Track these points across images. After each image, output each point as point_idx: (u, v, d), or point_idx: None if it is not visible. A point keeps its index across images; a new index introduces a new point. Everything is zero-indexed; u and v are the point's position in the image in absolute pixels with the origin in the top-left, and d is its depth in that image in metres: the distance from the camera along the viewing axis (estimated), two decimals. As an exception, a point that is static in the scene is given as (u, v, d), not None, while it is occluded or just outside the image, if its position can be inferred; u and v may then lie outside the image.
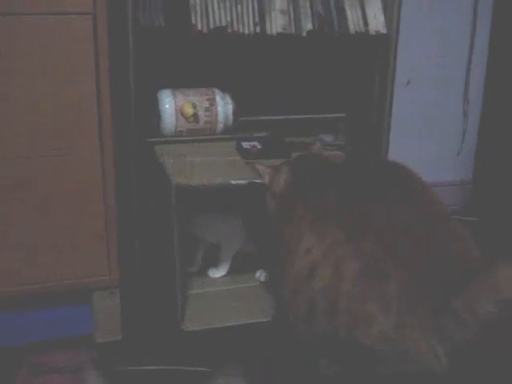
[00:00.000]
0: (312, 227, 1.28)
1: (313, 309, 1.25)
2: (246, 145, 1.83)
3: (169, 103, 1.84)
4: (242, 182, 1.63)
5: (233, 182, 1.62)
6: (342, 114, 2.13)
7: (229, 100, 1.90)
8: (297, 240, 1.30)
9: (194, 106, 1.85)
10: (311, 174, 1.49)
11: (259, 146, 1.83)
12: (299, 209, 1.36)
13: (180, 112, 1.84)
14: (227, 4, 1.79)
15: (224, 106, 1.88)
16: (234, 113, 1.90)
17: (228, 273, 1.92)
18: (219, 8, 1.78)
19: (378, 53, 2.00)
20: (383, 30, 1.93)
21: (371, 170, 1.43)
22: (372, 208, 1.25)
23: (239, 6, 1.80)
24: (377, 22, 1.93)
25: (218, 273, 1.91)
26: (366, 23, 1.92)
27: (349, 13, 1.90)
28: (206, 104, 1.87)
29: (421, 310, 1.14)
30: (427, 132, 2.47)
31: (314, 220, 1.29)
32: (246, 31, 1.80)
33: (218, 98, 1.89)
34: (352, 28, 1.90)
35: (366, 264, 1.18)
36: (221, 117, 1.88)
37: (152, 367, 1.52)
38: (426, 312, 1.14)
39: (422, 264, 1.17)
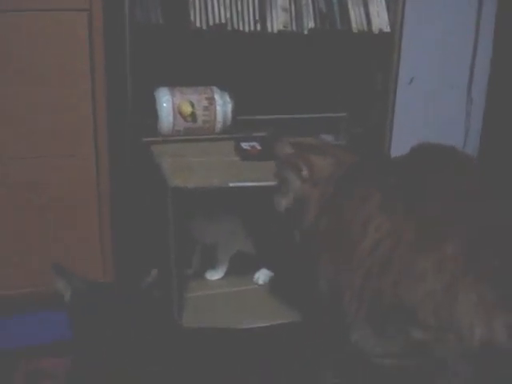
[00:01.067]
0: (381, 208, 1.26)
1: (367, 277, 1.24)
2: (245, 145, 1.79)
3: (166, 102, 1.80)
4: (240, 184, 1.59)
5: (231, 185, 1.58)
6: (343, 114, 2.09)
7: (228, 99, 1.86)
8: (365, 219, 1.27)
9: (192, 105, 1.81)
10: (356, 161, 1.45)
11: (259, 147, 1.79)
12: (360, 191, 1.32)
13: (178, 111, 1.80)
14: (227, 0, 1.74)
15: (223, 105, 1.84)
16: (233, 112, 1.86)
17: (226, 275, 1.88)
18: (219, 4, 1.74)
19: (380, 51, 1.97)
20: (386, 29, 1.89)
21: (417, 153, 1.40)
22: (430, 180, 1.26)
23: (239, 3, 1.76)
24: (380, 20, 1.89)
25: (215, 275, 1.88)
26: (369, 21, 1.88)
27: (352, 11, 1.86)
28: (205, 103, 1.83)
29: (478, 278, 1.13)
30: (429, 131, 2.43)
31: (383, 201, 1.27)
32: (246, 29, 1.76)
33: (216, 96, 1.85)
34: (355, 26, 1.86)
35: (423, 226, 1.18)
36: (219, 116, 1.84)
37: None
38: (483, 281, 1.12)
39: (482, 233, 1.17)
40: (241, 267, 1.87)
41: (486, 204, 1.23)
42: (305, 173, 1.42)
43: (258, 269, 1.88)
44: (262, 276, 1.87)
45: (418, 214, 1.21)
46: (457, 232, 1.17)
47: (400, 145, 2.17)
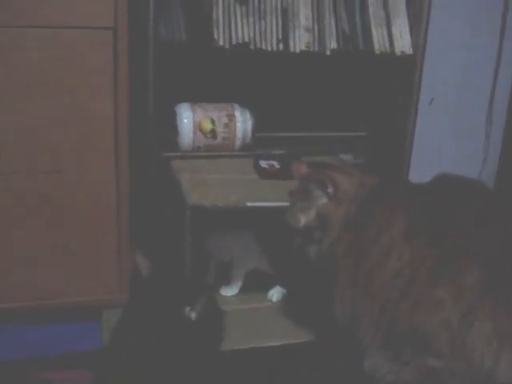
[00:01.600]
0: (405, 236, 1.28)
1: (385, 304, 1.26)
2: (263, 163, 1.80)
3: (187, 118, 1.82)
4: (258, 204, 1.60)
5: (248, 205, 1.59)
6: (363, 133, 2.09)
7: (248, 116, 1.87)
8: (386, 246, 1.29)
9: (213, 122, 1.82)
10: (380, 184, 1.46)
11: (277, 166, 1.79)
12: (384, 214, 1.34)
13: (198, 127, 1.82)
14: (250, 20, 1.76)
15: (243, 122, 1.85)
16: (253, 129, 1.86)
17: (240, 292, 1.89)
18: (242, 23, 1.75)
19: (402, 72, 1.97)
20: (409, 51, 1.89)
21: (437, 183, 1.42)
22: (453, 211, 1.28)
23: (263, 22, 1.77)
24: (403, 42, 1.89)
25: (229, 291, 1.88)
26: (391, 43, 1.88)
27: (374, 32, 1.87)
28: (225, 120, 1.84)
29: (497, 308, 1.14)
30: (448, 152, 2.43)
31: (408, 228, 1.28)
32: (269, 48, 1.77)
33: (237, 113, 1.86)
34: (377, 48, 1.86)
35: (444, 255, 1.20)
36: (239, 133, 1.85)
37: None
38: (502, 312, 1.14)
39: (501, 262, 1.19)
40: (255, 284, 1.88)
41: (505, 234, 1.25)
42: (330, 190, 1.43)
43: (272, 286, 1.88)
44: (276, 293, 1.87)
45: (439, 244, 1.22)
46: (476, 262, 1.18)
47: (419, 165, 2.18)
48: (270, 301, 1.87)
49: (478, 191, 1.37)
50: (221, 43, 1.73)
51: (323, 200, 1.44)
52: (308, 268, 1.59)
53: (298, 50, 1.79)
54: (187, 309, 1.51)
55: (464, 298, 1.16)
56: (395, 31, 1.89)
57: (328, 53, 1.81)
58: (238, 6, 1.74)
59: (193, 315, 1.51)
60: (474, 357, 1.15)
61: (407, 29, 1.90)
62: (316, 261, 1.50)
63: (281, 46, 1.77)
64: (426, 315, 1.19)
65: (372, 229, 1.34)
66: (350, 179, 1.46)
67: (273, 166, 1.80)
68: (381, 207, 1.36)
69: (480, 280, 1.17)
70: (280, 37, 1.78)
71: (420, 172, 2.18)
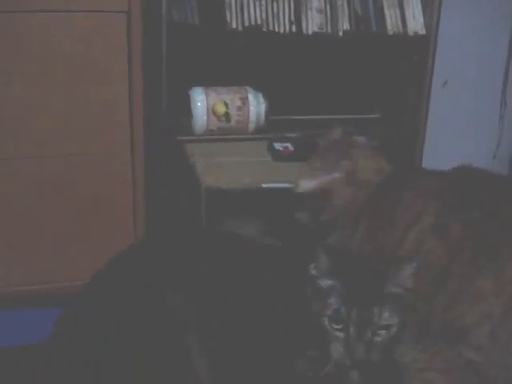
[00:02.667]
0: (435, 228, 1.23)
1: (416, 298, 1.20)
2: (277, 146, 1.80)
3: (201, 101, 1.82)
4: (273, 185, 1.60)
5: (263, 186, 1.59)
6: (376, 115, 2.09)
7: (261, 99, 1.87)
8: (416, 242, 1.24)
9: (226, 105, 1.82)
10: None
11: (291, 148, 1.80)
12: (410, 198, 1.30)
13: (212, 110, 1.82)
14: (262, 2, 1.75)
15: (256, 106, 1.86)
16: (267, 112, 1.87)
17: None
18: (254, 6, 1.75)
19: (415, 53, 1.96)
20: (422, 32, 1.88)
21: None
22: (484, 202, 1.23)
23: (275, 4, 1.77)
24: (416, 22, 1.88)
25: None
26: (404, 24, 1.87)
27: (387, 13, 1.86)
28: (239, 103, 1.84)
29: None
30: (462, 134, 2.42)
31: (437, 220, 1.24)
32: (282, 30, 1.77)
33: (250, 96, 1.86)
34: (390, 29, 1.86)
35: (481, 249, 1.16)
36: (253, 116, 1.85)
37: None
38: None
39: None
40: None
41: None
42: (349, 167, 1.40)
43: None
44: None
45: (476, 234, 1.19)
46: None
47: (433, 147, 2.17)
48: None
49: (503, 184, 1.33)
50: (233, 26, 1.73)
51: (336, 175, 1.41)
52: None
53: (310, 32, 1.79)
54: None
55: (506, 291, 1.12)
56: (408, 12, 1.88)
57: (341, 34, 1.81)
58: (250, -12, 1.75)
59: None
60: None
61: (420, 9, 1.89)
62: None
63: (293, 28, 1.77)
64: (465, 308, 1.15)
65: (400, 218, 1.29)
66: (373, 164, 1.43)
67: (287, 148, 1.80)
68: (407, 195, 1.32)
69: None
70: (292, 18, 1.77)
71: (434, 154, 2.19)
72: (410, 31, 1.88)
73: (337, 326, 1.07)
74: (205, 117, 1.82)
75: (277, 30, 1.77)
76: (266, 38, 1.80)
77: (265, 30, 1.75)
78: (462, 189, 1.28)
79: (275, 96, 1.88)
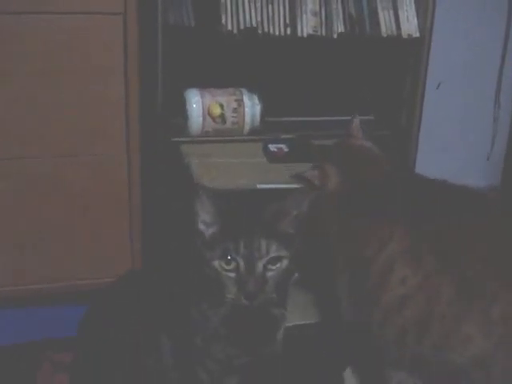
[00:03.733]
0: (404, 256, 1.20)
1: (402, 335, 1.19)
2: (272, 147, 1.82)
3: (196, 103, 1.83)
4: (268, 186, 1.62)
5: (258, 187, 1.61)
6: (370, 117, 2.10)
7: (257, 101, 1.88)
8: (386, 268, 1.20)
9: (222, 107, 1.84)
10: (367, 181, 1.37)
11: (286, 149, 1.81)
12: (380, 224, 1.25)
13: (207, 112, 1.83)
14: (258, 4, 1.77)
15: (252, 107, 1.87)
16: (262, 114, 1.88)
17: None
18: (250, 8, 1.76)
19: (409, 56, 1.97)
20: (416, 34, 1.90)
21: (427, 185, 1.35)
22: (464, 227, 1.19)
23: (270, 7, 1.78)
24: (409, 25, 1.90)
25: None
26: (398, 26, 1.89)
27: (381, 15, 1.87)
28: (234, 104, 1.85)
29: None
30: (457, 136, 2.44)
31: (405, 248, 1.20)
32: (277, 32, 1.78)
33: (245, 98, 1.87)
34: (384, 31, 1.87)
35: (464, 286, 1.12)
36: (248, 118, 1.87)
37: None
38: None
39: None
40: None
41: None
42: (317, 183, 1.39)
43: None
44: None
45: (452, 268, 1.14)
46: (500, 290, 1.11)
47: (427, 148, 2.19)
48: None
49: (486, 205, 1.28)
50: (229, 28, 1.74)
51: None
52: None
53: (305, 34, 1.80)
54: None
55: (494, 332, 1.10)
56: (402, 14, 1.89)
57: (335, 36, 1.82)
58: (245, -9, 1.76)
59: None
60: None
61: (414, 12, 1.90)
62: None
63: (288, 31, 1.78)
64: (455, 352, 1.12)
65: (365, 234, 1.26)
66: (344, 170, 1.39)
67: (281, 149, 1.82)
68: (377, 212, 1.28)
69: (509, 312, 1.10)
70: (287, 21, 1.79)
71: (428, 155, 2.21)
72: (404, 33, 1.89)
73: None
74: (200, 118, 1.84)
75: (272, 32, 1.78)
76: (261, 40, 1.81)
77: (260, 32, 1.76)
78: (437, 211, 1.23)
79: (270, 98, 1.90)
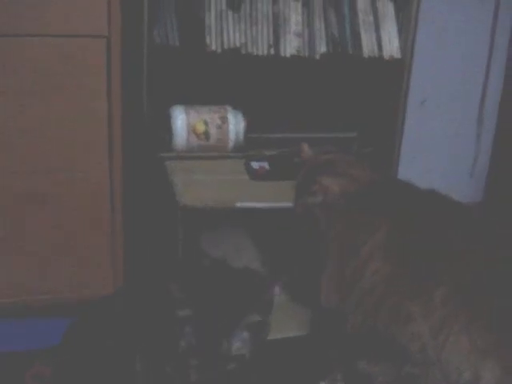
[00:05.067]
0: (381, 252, 1.32)
1: (367, 316, 1.31)
2: (254, 165, 1.85)
3: (181, 119, 1.87)
4: (247, 204, 1.65)
5: (238, 205, 1.65)
6: (353, 134, 2.14)
7: (241, 118, 1.92)
8: (365, 260, 1.34)
9: (206, 123, 1.87)
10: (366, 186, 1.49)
11: (267, 167, 1.85)
12: (366, 222, 1.39)
13: (192, 129, 1.87)
14: (242, 26, 1.81)
15: (236, 125, 1.90)
16: (246, 131, 1.92)
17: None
18: (234, 29, 1.80)
19: (391, 75, 2.01)
20: (397, 55, 1.94)
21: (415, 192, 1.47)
22: (431, 228, 1.31)
23: (254, 28, 1.82)
24: (391, 46, 1.94)
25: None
26: (380, 47, 1.93)
27: (364, 37, 1.91)
28: (218, 121, 1.89)
29: (473, 323, 1.17)
30: (440, 153, 2.48)
31: (384, 246, 1.33)
32: (260, 53, 1.82)
33: (229, 115, 1.90)
34: (366, 52, 1.91)
35: (415, 276, 1.25)
36: (232, 135, 1.90)
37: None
38: (475, 326, 1.17)
39: (475, 278, 1.22)
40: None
41: (482, 250, 1.28)
42: (319, 198, 1.50)
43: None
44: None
45: (412, 262, 1.27)
46: (447, 278, 1.22)
47: (410, 166, 2.23)
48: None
49: (463, 215, 1.41)
50: (213, 48, 1.78)
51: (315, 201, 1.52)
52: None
53: (288, 55, 1.84)
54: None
55: (433, 313, 1.20)
56: (384, 36, 1.93)
57: (318, 57, 1.86)
58: (229, 12, 1.80)
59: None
60: (449, 369, 1.18)
61: (396, 33, 1.94)
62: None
63: (272, 51, 1.82)
64: (399, 328, 1.24)
65: (353, 233, 1.40)
66: (342, 181, 1.50)
67: (263, 167, 1.85)
68: (364, 211, 1.41)
69: (450, 296, 1.20)
70: (271, 42, 1.83)
71: (411, 172, 2.23)
72: (386, 55, 1.93)
73: (190, 356, 1.13)
74: (185, 135, 1.87)
75: (255, 52, 1.82)
76: (245, 60, 1.85)
77: (244, 52, 1.80)
78: (418, 214, 1.36)
79: (254, 115, 1.93)
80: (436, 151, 2.47)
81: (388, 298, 1.27)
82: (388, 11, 1.94)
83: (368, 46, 1.91)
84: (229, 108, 1.92)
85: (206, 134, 1.88)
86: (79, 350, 1.26)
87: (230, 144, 1.92)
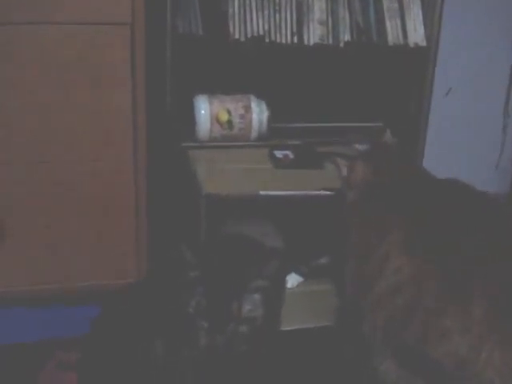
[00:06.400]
0: (402, 248, 1.27)
1: (391, 321, 1.25)
2: (278, 153, 1.84)
3: (204, 109, 1.86)
4: (271, 193, 1.65)
5: (261, 193, 1.64)
6: (378, 124, 2.12)
7: (264, 107, 1.91)
8: (383, 256, 1.28)
9: (229, 113, 1.87)
10: (389, 179, 1.48)
11: (291, 156, 1.84)
12: (382, 218, 1.35)
13: (215, 118, 1.87)
14: (265, 13, 1.80)
15: (259, 114, 1.90)
16: (269, 120, 1.91)
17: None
18: (257, 17, 1.79)
19: (416, 64, 1.99)
20: (422, 43, 1.92)
21: (444, 186, 1.42)
22: (456, 227, 1.25)
23: (277, 16, 1.81)
24: (416, 34, 1.92)
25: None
26: (405, 35, 1.91)
27: (388, 24, 1.89)
28: (241, 111, 1.88)
29: (504, 338, 1.13)
30: (465, 144, 2.45)
31: (404, 240, 1.27)
32: (284, 41, 1.81)
33: (253, 105, 1.90)
34: (391, 40, 1.89)
35: (451, 282, 1.18)
36: (255, 124, 1.90)
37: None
38: (508, 342, 1.12)
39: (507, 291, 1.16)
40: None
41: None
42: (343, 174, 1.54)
43: (287, 273, 1.93)
44: (291, 280, 1.92)
45: (437, 262, 1.20)
46: (483, 290, 1.15)
47: (435, 156, 2.20)
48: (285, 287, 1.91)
49: (489, 207, 1.34)
50: (236, 36, 1.78)
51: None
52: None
53: (311, 43, 1.83)
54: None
55: (472, 331, 1.13)
56: (409, 23, 1.91)
57: (342, 45, 1.85)
58: (253, 0, 1.79)
59: None
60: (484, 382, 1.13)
61: (421, 21, 1.92)
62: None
63: (295, 39, 1.81)
64: (433, 342, 1.17)
65: (370, 228, 1.36)
66: (367, 168, 1.51)
67: (287, 155, 1.84)
68: (381, 206, 1.39)
69: (488, 312, 1.14)
70: (294, 30, 1.81)
71: (436, 163, 2.21)
72: (411, 43, 1.91)
73: (200, 318, 1.12)
74: (208, 124, 1.87)
75: (279, 41, 1.81)
76: (269, 48, 1.84)
77: (267, 40, 1.79)
78: (438, 208, 1.30)
79: (278, 104, 1.93)
80: (461, 142, 2.44)
81: (418, 305, 1.19)
82: (413, -2, 1.92)
83: (393, 34, 1.89)
84: (252, 97, 1.91)
85: (230, 124, 1.88)
86: (107, 338, 1.26)
87: (254, 133, 1.91)
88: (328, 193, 1.65)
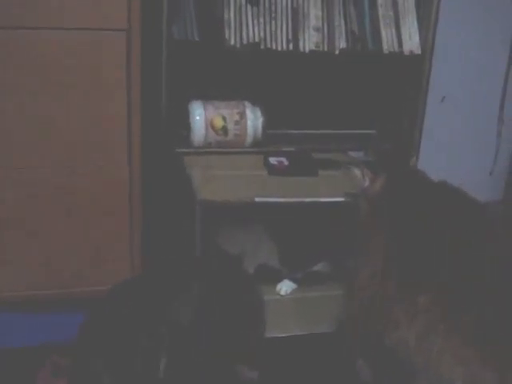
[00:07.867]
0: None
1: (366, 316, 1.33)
2: (273, 160, 1.85)
3: (199, 115, 1.86)
4: (266, 199, 1.65)
5: (256, 200, 1.64)
6: (372, 131, 2.12)
7: (259, 114, 1.91)
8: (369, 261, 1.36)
9: (224, 119, 1.87)
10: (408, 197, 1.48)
11: (286, 163, 1.84)
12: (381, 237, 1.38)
13: (210, 124, 1.87)
14: (261, 20, 1.80)
15: (254, 120, 1.90)
16: (264, 127, 1.91)
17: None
18: (253, 24, 1.79)
19: (411, 71, 2.00)
20: (417, 51, 1.92)
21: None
22: (426, 230, 1.30)
23: (273, 23, 1.81)
24: (411, 42, 1.92)
25: (239, 284, 1.93)
26: (400, 43, 1.91)
27: (383, 32, 1.90)
28: (236, 117, 1.89)
29: (455, 329, 1.17)
30: (459, 150, 2.45)
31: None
32: (279, 48, 1.81)
33: (248, 111, 1.90)
34: (386, 47, 1.90)
35: (403, 275, 1.26)
36: (250, 130, 1.90)
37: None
38: (459, 333, 1.17)
39: (462, 285, 1.20)
40: (264, 279, 1.92)
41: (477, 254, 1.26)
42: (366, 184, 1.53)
43: (280, 280, 1.93)
44: (285, 287, 1.92)
45: (399, 268, 1.28)
46: (434, 284, 1.22)
47: (429, 163, 2.20)
48: (279, 294, 1.91)
49: (469, 214, 1.41)
50: (232, 43, 1.78)
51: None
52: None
53: (307, 50, 1.83)
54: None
55: (418, 319, 1.21)
56: (404, 31, 1.92)
57: (337, 52, 1.85)
58: (249, 7, 1.79)
59: None
60: (441, 373, 1.18)
61: (416, 29, 1.93)
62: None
63: (291, 46, 1.81)
64: (387, 333, 1.26)
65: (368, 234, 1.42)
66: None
67: (282, 162, 1.84)
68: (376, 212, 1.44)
69: (435, 303, 1.20)
70: (290, 37, 1.82)
71: (430, 169, 2.22)
72: (406, 50, 1.92)
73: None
74: (203, 130, 1.87)
75: (274, 47, 1.81)
76: (264, 55, 1.84)
77: (263, 47, 1.80)
78: (422, 214, 1.35)
79: (273, 111, 1.93)
80: (456, 149, 2.45)
81: (379, 302, 1.28)
82: (408, 6, 1.92)
83: (388, 42, 1.90)
84: (247, 104, 1.92)
85: (224, 130, 1.88)
86: (96, 342, 1.26)
87: (248, 140, 1.92)
88: (348, 199, 1.65)
